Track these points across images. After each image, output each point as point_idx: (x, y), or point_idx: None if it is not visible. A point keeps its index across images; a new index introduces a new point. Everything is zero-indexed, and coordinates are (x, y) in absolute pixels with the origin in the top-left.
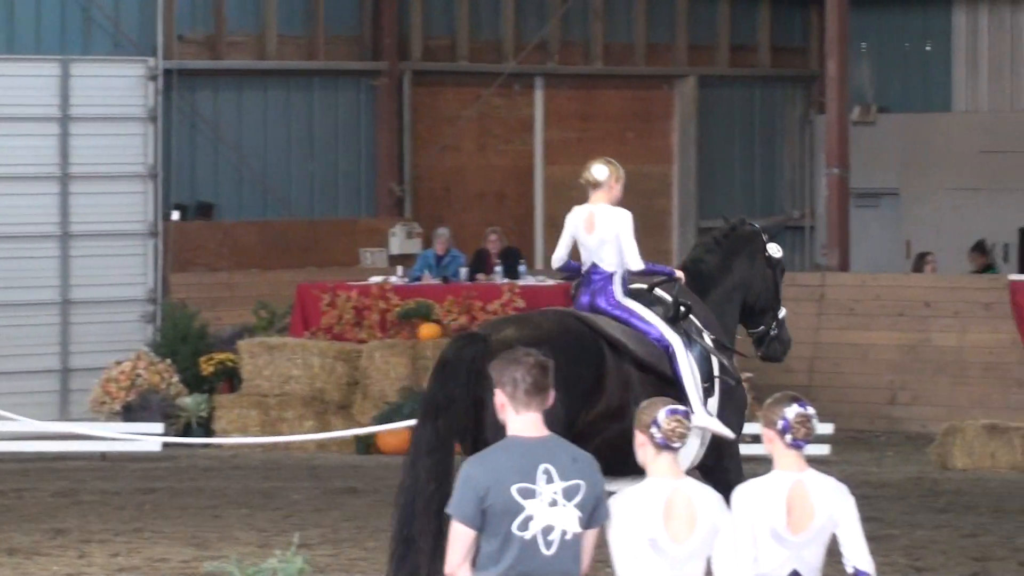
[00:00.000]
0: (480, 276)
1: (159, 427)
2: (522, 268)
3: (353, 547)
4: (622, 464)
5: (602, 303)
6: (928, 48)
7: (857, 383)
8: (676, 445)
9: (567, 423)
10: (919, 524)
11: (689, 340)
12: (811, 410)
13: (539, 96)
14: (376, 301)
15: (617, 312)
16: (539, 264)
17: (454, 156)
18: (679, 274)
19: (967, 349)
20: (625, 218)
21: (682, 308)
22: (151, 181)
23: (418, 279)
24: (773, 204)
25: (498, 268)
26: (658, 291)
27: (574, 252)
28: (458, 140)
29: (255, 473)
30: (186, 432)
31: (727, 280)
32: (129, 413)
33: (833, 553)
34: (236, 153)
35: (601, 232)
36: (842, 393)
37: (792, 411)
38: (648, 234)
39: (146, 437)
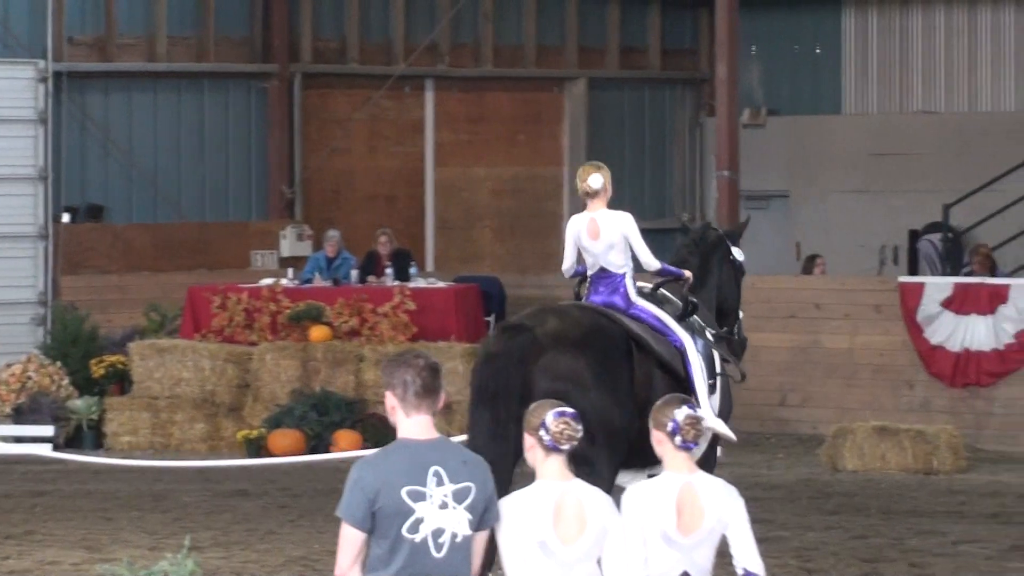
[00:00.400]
0: (371, 278)
1: (49, 430)
2: (413, 270)
3: (244, 549)
4: (640, 458)
5: (619, 303)
6: (818, 51)
7: (747, 385)
8: (564, 447)
9: (628, 417)
10: (809, 526)
11: (695, 337)
12: (700, 412)
13: (429, 98)
14: (267, 303)
15: (634, 312)
16: (430, 266)
17: (344, 158)
18: (687, 274)
19: (857, 351)
20: (630, 221)
21: (690, 307)
22: (41, 183)
23: (309, 281)
24: (663, 206)
25: (389, 270)
26: (663, 291)
27: (579, 257)
28: (348, 142)
29: (145, 476)
30: (76, 434)
31: (709, 282)
32: (20, 416)
33: (723, 555)
34: (127, 155)
35: (607, 236)
36: (733, 394)
37: (681, 413)
38: (539, 236)
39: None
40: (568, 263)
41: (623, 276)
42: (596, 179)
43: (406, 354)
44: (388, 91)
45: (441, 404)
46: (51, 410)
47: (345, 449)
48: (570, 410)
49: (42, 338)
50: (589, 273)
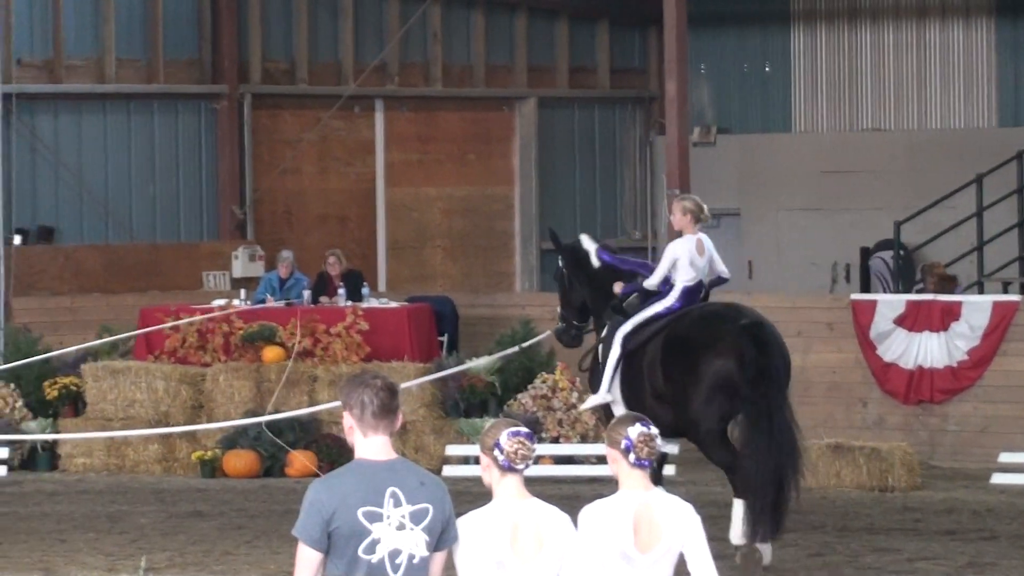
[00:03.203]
0: (323, 299)
1: (3, 452)
2: (365, 290)
3: (200, 571)
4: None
5: (695, 303)
6: (767, 69)
7: None
8: (520, 467)
9: None
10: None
11: None
12: (654, 430)
13: (379, 118)
14: (220, 324)
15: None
16: (382, 286)
17: (295, 179)
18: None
19: (810, 369)
20: (710, 241)
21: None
22: None
23: (263, 302)
24: (615, 225)
25: (341, 291)
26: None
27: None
28: (299, 163)
29: (101, 497)
30: (31, 456)
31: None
32: None
33: (681, 573)
34: (77, 177)
35: (707, 253)
36: None
37: (635, 431)
38: (491, 256)
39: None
40: (661, 278)
41: (703, 284)
42: (707, 209)
43: (364, 374)
44: (338, 111)
45: (399, 424)
46: (5, 432)
47: (300, 470)
48: (524, 430)
49: None
50: (688, 286)
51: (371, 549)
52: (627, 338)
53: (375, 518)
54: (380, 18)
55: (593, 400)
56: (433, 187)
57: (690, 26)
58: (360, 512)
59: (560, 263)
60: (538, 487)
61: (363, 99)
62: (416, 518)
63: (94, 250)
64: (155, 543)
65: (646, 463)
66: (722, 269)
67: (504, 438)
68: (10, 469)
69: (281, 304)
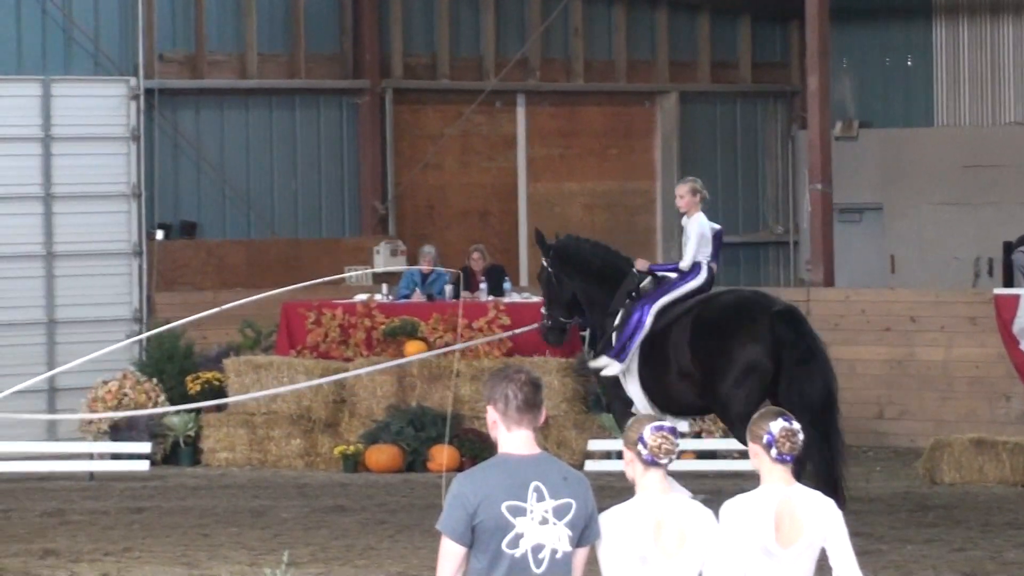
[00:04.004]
0: (465, 294)
1: (146, 446)
2: (507, 285)
3: (343, 565)
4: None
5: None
6: (909, 63)
7: (844, 398)
8: (663, 461)
9: None
10: (908, 539)
11: None
12: (796, 425)
13: (521, 113)
14: (361, 319)
15: None
16: (524, 281)
17: (437, 174)
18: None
19: (953, 364)
20: None
21: None
22: (134, 200)
23: (407, 297)
24: (756, 219)
25: (483, 285)
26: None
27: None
28: (441, 158)
29: (243, 492)
30: (173, 451)
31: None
32: (116, 433)
33: (823, 568)
34: (219, 172)
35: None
36: None
37: (777, 426)
38: (633, 251)
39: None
40: (693, 257)
41: None
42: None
43: (508, 369)
44: (480, 106)
45: (542, 419)
46: (148, 427)
47: (442, 465)
48: (668, 424)
49: (138, 355)
50: (709, 263)
51: (514, 543)
52: (657, 315)
53: (518, 512)
54: (521, 13)
55: (610, 368)
56: (575, 182)
57: (832, 20)
58: (504, 506)
59: (545, 263)
60: (680, 482)
61: (504, 94)
62: (559, 513)
63: (236, 245)
64: (297, 538)
65: (788, 458)
66: (714, 226)
67: (647, 432)
68: (153, 464)
69: (423, 299)
